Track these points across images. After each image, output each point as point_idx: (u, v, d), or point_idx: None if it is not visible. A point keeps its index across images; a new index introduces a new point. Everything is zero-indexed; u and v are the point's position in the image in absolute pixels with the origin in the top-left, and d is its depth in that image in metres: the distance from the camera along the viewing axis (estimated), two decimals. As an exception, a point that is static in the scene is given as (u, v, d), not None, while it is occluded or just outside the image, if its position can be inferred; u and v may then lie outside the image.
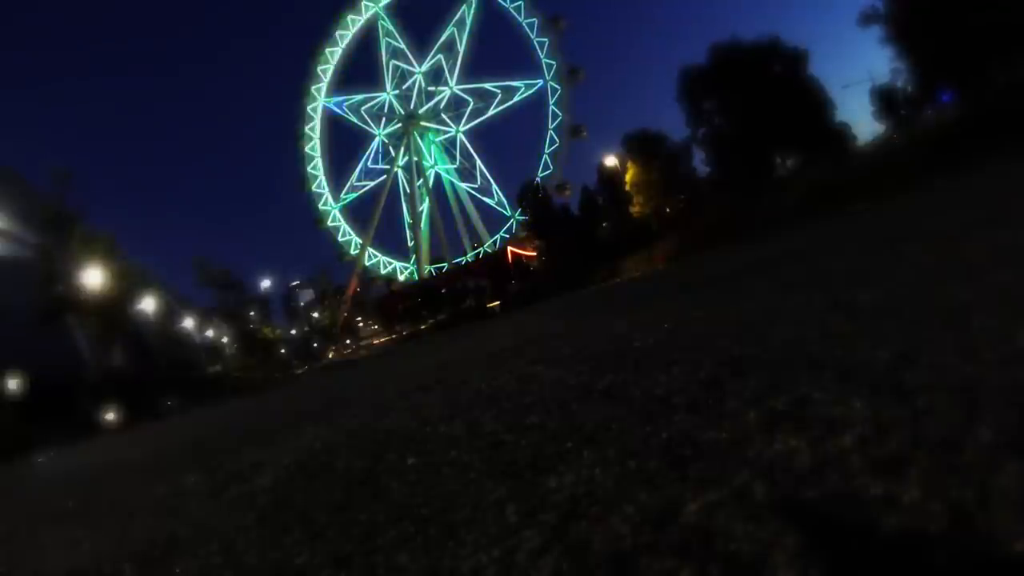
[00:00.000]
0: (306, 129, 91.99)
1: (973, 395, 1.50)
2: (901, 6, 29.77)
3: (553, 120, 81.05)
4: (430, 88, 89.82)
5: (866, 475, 1.27)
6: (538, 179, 72.08)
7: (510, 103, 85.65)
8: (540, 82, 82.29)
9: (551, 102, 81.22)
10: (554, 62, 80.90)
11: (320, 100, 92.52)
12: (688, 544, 1.22)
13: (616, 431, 2.20)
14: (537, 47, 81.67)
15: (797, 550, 1.07)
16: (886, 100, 37.59)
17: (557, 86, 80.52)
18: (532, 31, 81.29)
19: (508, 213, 78.60)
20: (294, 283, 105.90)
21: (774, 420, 1.79)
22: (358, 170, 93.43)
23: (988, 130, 17.63)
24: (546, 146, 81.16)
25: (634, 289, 16.41)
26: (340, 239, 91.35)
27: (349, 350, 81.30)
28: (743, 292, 5.86)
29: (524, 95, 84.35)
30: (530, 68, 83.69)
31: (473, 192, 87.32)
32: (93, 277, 35.28)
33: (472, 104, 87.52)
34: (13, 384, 30.94)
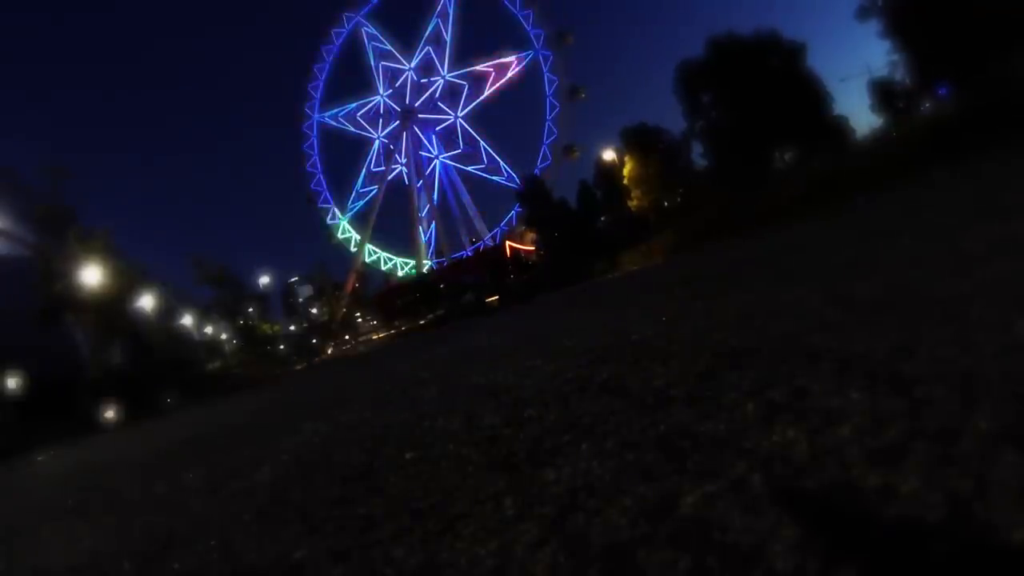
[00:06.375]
0: (303, 148, 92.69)
1: (971, 386, 1.50)
2: (899, -1, 29.72)
3: (550, 86, 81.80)
4: (423, 81, 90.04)
5: (864, 466, 1.26)
6: (544, 145, 73.08)
7: (505, 79, 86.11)
8: (531, 52, 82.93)
9: (545, 70, 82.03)
10: (542, 31, 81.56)
11: (313, 117, 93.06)
12: (686, 536, 1.21)
13: (614, 424, 2.20)
14: (523, 20, 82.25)
15: (795, 541, 1.07)
16: (883, 93, 37.53)
17: (548, 53, 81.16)
18: (516, 5, 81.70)
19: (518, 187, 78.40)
20: (293, 279, 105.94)
21: (772, 412, 1.79)
22: (361, 176, 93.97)
23: (986, 123, 17.60)
24: (547, 112, 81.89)
25: (632, 282, 16.40)
26: (352, 249, 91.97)
27: (348, 346, 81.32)
28: (741, 285, 5.85)
29: (517, 69, 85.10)
30: (520, 41, 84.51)
31: (480, 173, 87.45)
32: (91, 275, 35.22)
33: (467, 88, 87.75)
34: (13, 383, 30.91)
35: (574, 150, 78.39)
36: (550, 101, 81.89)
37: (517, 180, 73.55)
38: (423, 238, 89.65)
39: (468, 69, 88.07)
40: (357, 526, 1.97)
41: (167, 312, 46.11)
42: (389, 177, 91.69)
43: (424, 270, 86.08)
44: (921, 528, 0.99)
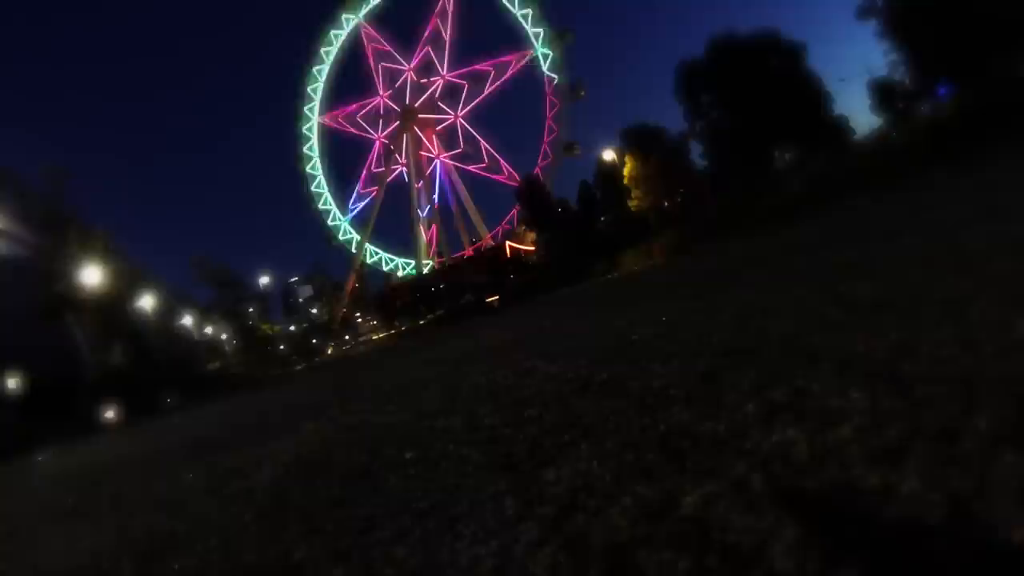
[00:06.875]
0: (304, 150, 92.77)
1: (971, 386, 1.50)
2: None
3: (550, 85, 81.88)
4: (422, 81, 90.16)
5: (864, 466, 1.26)
6: (544, 143, 73.54)
7: (504, 79, 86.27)
8: (531, 52, 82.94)
9: (545, 68, 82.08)
10: (541, 30, 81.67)
11: (314, 119, 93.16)
12: (686, 536, 1.21)
13: (614, 424, 2.20)
14: (522, 19, 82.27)
15: (795, 541, 1.07)
16: (883, 93, 37.52)
17: (548, 52, 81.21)
18: (514, 5, 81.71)
19: (517, 185, 78.06)
20: (293, 279, 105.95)
21: (772, 412, 1.79)
22: (363, 177, 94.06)
23: (986, 124, 17.61)
24: (547, 110, 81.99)
25: (632, 282, 16.40)
26: (355, 251, 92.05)
27: (348, 346, 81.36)
28: (742, 285, 5.85)
29: (517, 68, 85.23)
30: (519, 40, 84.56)
31: (481, 172, 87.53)
32: (91, 275, 35.27)
33: (467, 87, 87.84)
34: (13, 383, 30.92)
35: (575, 148, 78.53)
36: (550, 99, 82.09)
37: (518, 179, 73.52)
38: (423, 238, 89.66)
39: (468, 68, 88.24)
40: (357, 526, 1.96)
41: (167, 312, 46.14)
42: (389, 178, 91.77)
43: (425, 270, 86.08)
44: (921, 528, 0.99)
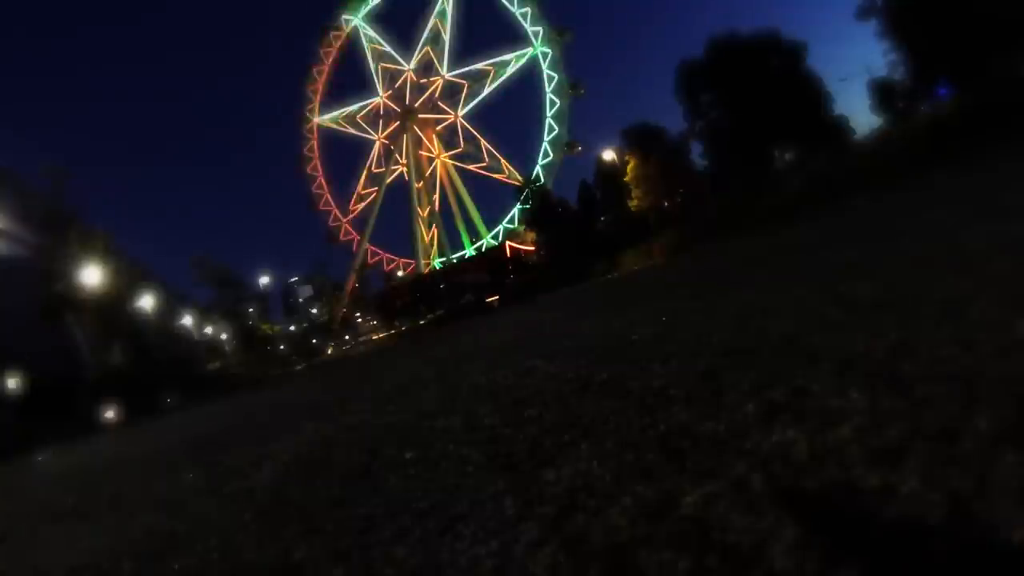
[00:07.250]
0: (304, 151, 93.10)
1: (971, 386, 1.50)
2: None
3: (549, 83, 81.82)
4: (422, 81, 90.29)
5: (864, 466, 1.26)
6: (544, 142, 73.66)
7: (504, 78, 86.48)
8: (530, 50, 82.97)
9: (544, 67, 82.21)
10: (540, 28, 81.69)
11: (314, 120, 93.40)
12: (686, 536, 1.21)
13: (614, 424, 2.20)
14: (521, 18, 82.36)
15: (795, 541, 1.07)
16: (883, 93, 37.50)
17: (547, 50, 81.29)
18: (513, 4, 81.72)
19: (519, 183, 78.07)
20: (293, 279, 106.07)
21: (772, 412, 1.79)
22: (363, 178, 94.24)
23: (986, 124, 17.61)
24: (547, 109, 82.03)
25: (632, 282, 16.39)
26: (355, 251, 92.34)
27: (348, 346, 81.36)
28: (742, 285, 5.85)
29: (517, 67, 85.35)
30: (519, 39, 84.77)
31: (481, 171, 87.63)
32: (91, 275, 35.30)
33: (467, 87, 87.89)
34: (13, 382, 30.92)
35: (576, 146, 78.64)
36: (550, 98, 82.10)
37: (519, 177, 73.57)
38: (425, 238, 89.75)
39: (467, 68, 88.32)
40: (357, 526, 1.96)
41: (167, 312, 46.16)
42: (390, 179, 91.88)
43: (426, 270, 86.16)
44: (921, 528, 0.99)
